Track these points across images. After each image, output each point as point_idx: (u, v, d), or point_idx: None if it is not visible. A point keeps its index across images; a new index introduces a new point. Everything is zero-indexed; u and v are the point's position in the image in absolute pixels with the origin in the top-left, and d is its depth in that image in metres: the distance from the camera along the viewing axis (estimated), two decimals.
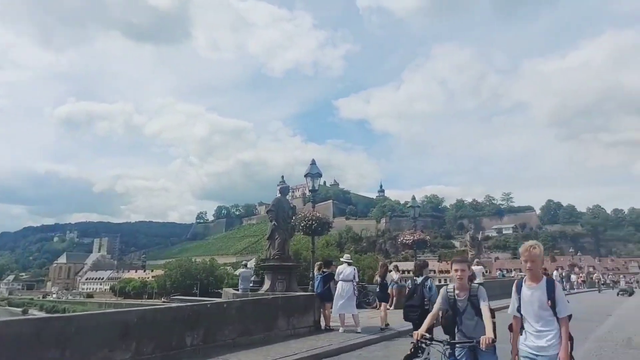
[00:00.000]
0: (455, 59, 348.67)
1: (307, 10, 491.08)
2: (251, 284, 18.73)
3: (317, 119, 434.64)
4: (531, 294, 3.62)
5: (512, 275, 48.04)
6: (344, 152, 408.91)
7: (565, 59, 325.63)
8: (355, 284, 11.58)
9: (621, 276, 51.15)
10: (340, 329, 10.85)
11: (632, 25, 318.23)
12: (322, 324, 11.32)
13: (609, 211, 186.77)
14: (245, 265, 20.84)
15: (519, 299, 3.71)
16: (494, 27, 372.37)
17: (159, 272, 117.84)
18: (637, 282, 45.85)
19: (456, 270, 4.24)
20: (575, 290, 32.11)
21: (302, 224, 11.61)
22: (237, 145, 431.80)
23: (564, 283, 31.56)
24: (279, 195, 15.89)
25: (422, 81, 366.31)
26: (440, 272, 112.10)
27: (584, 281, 39.99)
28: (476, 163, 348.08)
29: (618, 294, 28.25)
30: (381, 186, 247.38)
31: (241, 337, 8.81)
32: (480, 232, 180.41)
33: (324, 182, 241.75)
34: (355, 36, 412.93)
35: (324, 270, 11.80)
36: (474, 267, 21.43)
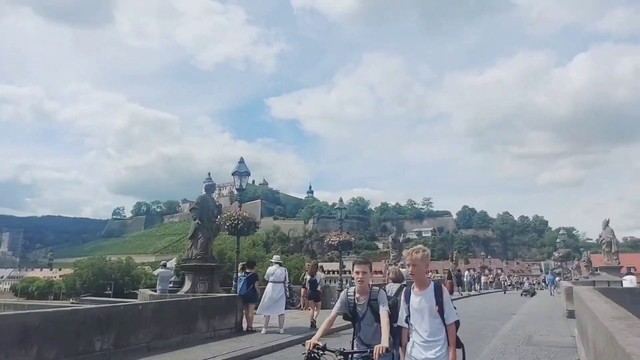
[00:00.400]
0: (384, 68, 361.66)
1: (240, 5, 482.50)
2: (171, 285, 17.90)
3: (248, 117, 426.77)
4: (419, 300, 3.41)
5: (428, 276, 50.62)
6: (275, 152, 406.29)
7: (483, 75, 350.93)
8: (286, 285, 11.54)
9: (525, 278, 55.80)
10: (263, 330, 10.70)
11: (542, 49, 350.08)
12: (244, 325, 11.10)
13: (516, 218, 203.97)
14: (165, 265, 19.88)
15: (408, 307, 3.48)
16: (421, 40, 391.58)
17: (68, 271, 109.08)
18: (538, 283, 50.40)
19: (357, 273, 3.85)
20: (484, 291, 34.62)
21: (227, 224, 11.25)
22: (160, 139, 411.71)
23: (475, 284, 33.90)
24: (204, 192, 15.36)
25: (353, 86, 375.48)
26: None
27: (491, 282, 43.18)
28: (400, 168, 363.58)
29: (522, 295, 30.72)
30: (310, 187, 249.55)
31: (157, 341, 8.39)
32: (402, 234, 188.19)
33: (253, 181, 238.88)
34: (288, 36, 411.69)
35: (248, 270, 11.65)
36: (401, 270, 22.36)
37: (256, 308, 11.51)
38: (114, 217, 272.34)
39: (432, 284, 3.46)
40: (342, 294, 4.06)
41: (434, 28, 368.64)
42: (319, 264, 15.96)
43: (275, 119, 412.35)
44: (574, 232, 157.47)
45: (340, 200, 17.93)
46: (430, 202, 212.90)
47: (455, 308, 3.45)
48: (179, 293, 14.89)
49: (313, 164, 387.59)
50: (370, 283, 4.04)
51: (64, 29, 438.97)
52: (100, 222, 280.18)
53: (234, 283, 11.63)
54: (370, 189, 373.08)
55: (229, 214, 11.43)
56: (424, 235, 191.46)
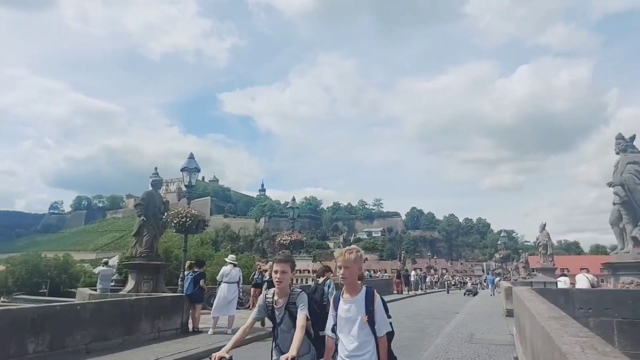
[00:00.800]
0: (339, 69, 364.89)
1: None
2: (112, 284, 17.14)
3: (199, 111, 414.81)
4: (348, 308, 3.02)
5: (377, 275, 51.81)
6: (226, 148, 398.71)
7: (433, 81, 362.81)
8: (240, 285, 11.36)
9: (468, 278, 58.21)
10: (210, 331, 10.46)
11: (488, 59, 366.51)
12: (191, 326, 10.80)
13: (461, 220, 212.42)
14: (106, 264, 18.99)
15: (336, 315, 3.08)
16: (375, 43, 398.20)
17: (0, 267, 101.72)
18: (480, 283, 52.71)
19: (275, 272, 3.38)
20: (429, 290, 35.80)
21: (175, 221, 10.89)
22: (104, 130, 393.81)
23: (421, 283, 34.95)
24: (151, 188, 14.84)
25: (307, 85, 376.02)
26: (314, 271, 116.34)
27: (436, 282, 44.73)
28: (353, 169, 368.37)
29: (465, 294, 31.98)
30: (263, 185, 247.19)
31: (96, 342, 8.00)
32: (353, 234, 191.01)
33: (203, 178, 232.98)
34: (242, 30, 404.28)
35: (196, 269, 11.43)
36: None
37: (203, 308, 11.26)
38: (52, 211, 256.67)
39: (363, 290, 3.06)
40: (261, 297, 3.68)
41: (388, 33, 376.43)
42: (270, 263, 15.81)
43: (227, 115, 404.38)
44: (513, 234, 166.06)
45: (293, 199, 17.85)
46: (381, 203, 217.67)
47: (389, 317, 3.06)
48: (121, 292, 14.30)
49: (266, 161, 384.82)
50: (292, 283, 3.55)
51: (2, 12, 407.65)
52: (35, 216, 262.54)
53: (180, 282, 11.29)
54: (323, 188, 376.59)
55: (176, 211, 11.07)
56: (374, 235, 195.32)
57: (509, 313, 14.82)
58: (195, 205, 12.78)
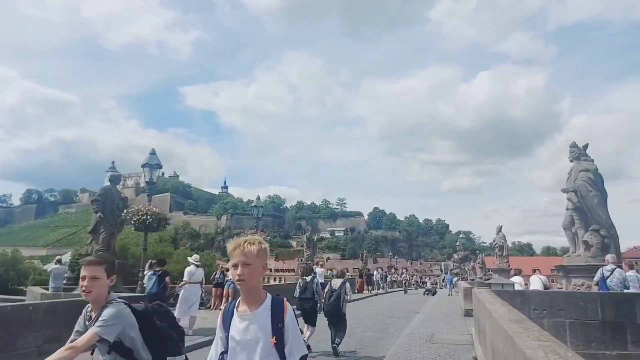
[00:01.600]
0: (305, 67, 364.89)
1: None
2: (64, 282, 16.39)
3: (159, 104, 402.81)
4: (246, 327, 2.06)
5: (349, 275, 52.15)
6: (188, 143, 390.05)
7: (397, 84, 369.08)
8: (202, 286, 11.16)
9: (427, 278, 59.56)
10: (190, 331, 10.35)
11: (451, 64, 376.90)
12: None
13: (421, 220, 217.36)
14: (60, 261, 18.12)
15: (227, 337, 2.09)
16: (342, 43, 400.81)
17: None
18: (437, 283, 54.11)
19: (83, 278, 2.59)
20: (390, 290, 36.40)
21: (134, 219, 10.51)
22: (58, 121, 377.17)
23: (381, 282, 35.44)
24: (108, 183, 14.28)
25: (273, 83, 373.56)
26: (277, 270, 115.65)
27: (395, 281, 45.50)
28: (317, 168, 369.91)
29: (424, 294, 32.72)
30: (225, 182, 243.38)
31: (49, 345, 7.57)
32: (317, 233, 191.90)
33: (163, 173, 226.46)
34: (206, 23, 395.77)
35: (158, 269, 11.15)
36: (318, 270, 22.86)
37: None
38: None
39: (268, 299, 2.12)
40: (85, 309, 2.80)
41: (354, 33, 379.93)
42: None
43: (189, 109, 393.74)
44: (471, 235, 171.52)
45: (258, 198, 17.66)
46: (344, 203, 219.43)
47: (302, 333, 2.38)
48: (75, 292, 13.68)
49: (229, 158, 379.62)
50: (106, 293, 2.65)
51: None
52: None
53: (139, 282, 10.93)
54: (287, 187, 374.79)
55: (136, 208, 10.68)
56: (336, 234, 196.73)
57: (468, 313, 15.26)
58: (154, 202, 12.41)
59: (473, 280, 35.65)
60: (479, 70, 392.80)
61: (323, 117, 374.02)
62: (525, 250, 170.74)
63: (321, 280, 20.39)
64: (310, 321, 8.88)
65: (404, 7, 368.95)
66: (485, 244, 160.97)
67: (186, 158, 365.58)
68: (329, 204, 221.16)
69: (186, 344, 9.29)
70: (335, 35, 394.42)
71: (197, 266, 11.24)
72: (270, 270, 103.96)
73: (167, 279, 11.22)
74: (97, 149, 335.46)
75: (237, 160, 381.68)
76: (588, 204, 11.13)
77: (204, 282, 11.15)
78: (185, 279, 10.86)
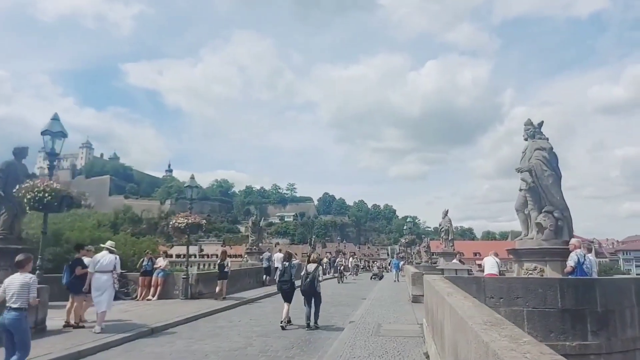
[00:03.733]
0: (255, 49, 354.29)
1: None
2: None
3: (98, 81, 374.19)
4: None
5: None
6: (129, 123, 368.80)
7: (348, 69, 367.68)
8: (115, 275, 9.57)
9: (374, 262, 59.88)
10: (97, 328, 9.00)
11: (400, 52, 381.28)
12: (73, 321, 9.48)
13: (369, 206, 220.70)
14: None
15: None
16: (293, 26, 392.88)
17: None
18: (385, 267, 54.48)
19: None
20: (337, 275, 35.60)
21: (28, 196, 8.66)
22: None
23: (331, 268, 34.70)
24: (12, 157, 12.15)
25: (221, 64, 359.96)
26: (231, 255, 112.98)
27: (343, 266, 45.09)
28: (267, 152, 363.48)
29: (371, 278, 32.31)
30: (170, 166, 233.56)
31: None
32: (262, 217, 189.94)
33: (102, 155, 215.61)
34: None
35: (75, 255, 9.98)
36: (277, 255, 21.97)
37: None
38: None
39: None
40: None
41: (306, 17, 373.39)
42: (164, 249, 14.06)
43: (131, 87, 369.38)
44: (416, 220, 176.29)
45: (192, 177, 15.95)
46: (294, 188, 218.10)
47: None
48: None
49: (174, 141, 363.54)
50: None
51: None
52: None
53: (37, 271, 9.13)
54: (236, 171, 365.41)
55: (31, 183, 8.81)
56: (286, 219, 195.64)
57: (416, 299, 14.60)
58: (92, 184, 10.59)
59: (419, 264, 35.83)
60: (427, 59, 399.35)
61: (273, 101, 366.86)
62: (467, 234, 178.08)
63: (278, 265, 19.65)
64: (288, 299, 10.25)
65: None
66: (429, 229, 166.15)
67: (127, 139, 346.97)
68: (279, 189, 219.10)
69: (89, 346, 7.60)
70: (286, 17, 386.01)
71: (111, 252, 9.62)
72: (216, 256, 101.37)
73: (79, 269, 9.77)
74: (28, 128, 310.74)
75: (182, 143, 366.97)
76: (542, 184, 10.53)
77: (117, 270, 9.57)
78: (90, 268, 9.24)
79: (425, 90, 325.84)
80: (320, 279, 10.67)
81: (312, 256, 11.14)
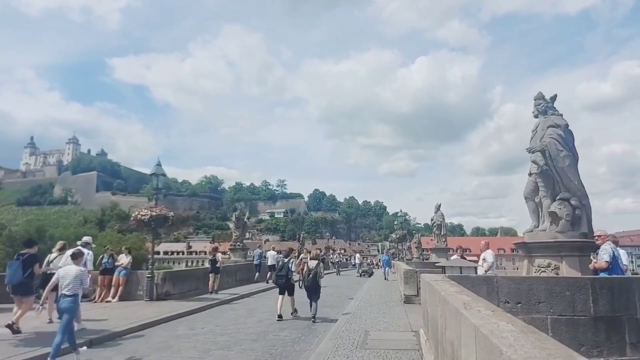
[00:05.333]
0: (244, 43, 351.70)
1: None
2: None
3: (85, 76, 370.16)
4: None
5: (281, 255, 49.45)
6: (117, 119, 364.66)
7: (338, 65, 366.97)
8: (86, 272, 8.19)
9: (364, 258, 58.40)
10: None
11: (390, 48, 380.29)
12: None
13: (360, 202, 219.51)
14: None
15: None
16: (283, 21, 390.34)
17: None
18: (375, 264, 53.12)
19: None
20: (327, 271, 34.05)
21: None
22: None
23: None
24: None
25: (210, 58, 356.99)
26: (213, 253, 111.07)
27: (333, 262, 43.52)
28: (257, 149, 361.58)
29: (360, 275, 30.81)
30: (158, 162, 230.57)
31: None
32: (247, 213, 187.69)
33: (88, 151, 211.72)
34: None
35: (25, 251, 8.60)
36: (270, 252, 20.71)
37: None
38: None
39: None
40: None
41: (296, 11, 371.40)
42: (126, 246, 12.41)
43: (118, 82, 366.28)
44: (406, 216, 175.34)
45: (158, 164, 14.23)
46: (285, 184, 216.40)
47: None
48: None
49: (163, 137, 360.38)
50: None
51: None
52: None
53: None
54: (226, 168, 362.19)
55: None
56: (276, 216, 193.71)
57: (408, 300, 13.07)
58: (78, 180, 9.01)
59: (410, 260, 34.41)
60: (417, 56, 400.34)
61: (263, 97, 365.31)
62: (457, 230, 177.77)
63: (272, 262, 19.57)
64: (288, 292, 10.93)
65: None
66: (419, 225, 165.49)
67: (115, 135, 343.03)
68: (269, 185, 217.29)
69: (30, 355, 5.81)
70: (276, 12, 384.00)
71: (84, 246, 9.31)
72: (205, 253, 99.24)
73: (36, 266, 8.56)
74: (13, 123, 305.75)
75: (171, 139, 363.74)
76: (558, 167, 8.99)
77: (88, 267, 9.19)
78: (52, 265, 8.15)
79: (415, 87, 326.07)
80: (322, 273, 10.89)
81: (313, 253, 11.66)
